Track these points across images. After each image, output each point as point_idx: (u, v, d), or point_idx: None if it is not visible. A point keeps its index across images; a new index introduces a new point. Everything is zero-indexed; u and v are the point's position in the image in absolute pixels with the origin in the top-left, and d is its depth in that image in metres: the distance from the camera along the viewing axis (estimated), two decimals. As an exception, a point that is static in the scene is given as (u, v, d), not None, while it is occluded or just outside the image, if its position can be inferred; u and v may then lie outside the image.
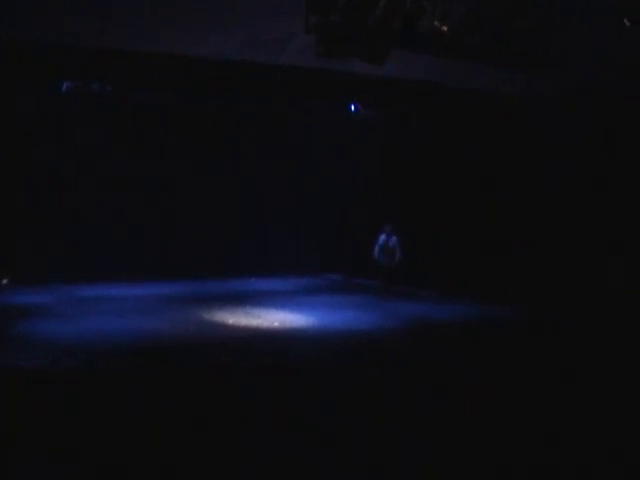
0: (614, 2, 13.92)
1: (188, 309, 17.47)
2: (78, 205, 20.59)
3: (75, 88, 19.30)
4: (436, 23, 13.65)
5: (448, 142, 21.26)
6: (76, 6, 12.87)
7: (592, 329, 15.62)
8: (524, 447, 8.66)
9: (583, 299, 17.11)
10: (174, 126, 21.77)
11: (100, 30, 13.58)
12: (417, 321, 17.00)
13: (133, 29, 13.80)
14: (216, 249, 22.28)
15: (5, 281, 19.70)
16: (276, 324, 16.20)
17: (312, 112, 22.43)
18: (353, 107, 22.27)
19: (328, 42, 12.87)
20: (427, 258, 21.28)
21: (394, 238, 19.61)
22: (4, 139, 19.55)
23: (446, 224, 21.08)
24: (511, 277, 18.95)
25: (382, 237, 19.69)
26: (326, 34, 12.73)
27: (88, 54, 14.84)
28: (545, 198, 18.98)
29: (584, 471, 8.03)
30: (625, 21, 13.66)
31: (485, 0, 14.25)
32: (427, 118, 21.49)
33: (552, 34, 14.85)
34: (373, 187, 23.31)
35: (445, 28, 13.73)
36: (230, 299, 18.93)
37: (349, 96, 20.60)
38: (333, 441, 8.72)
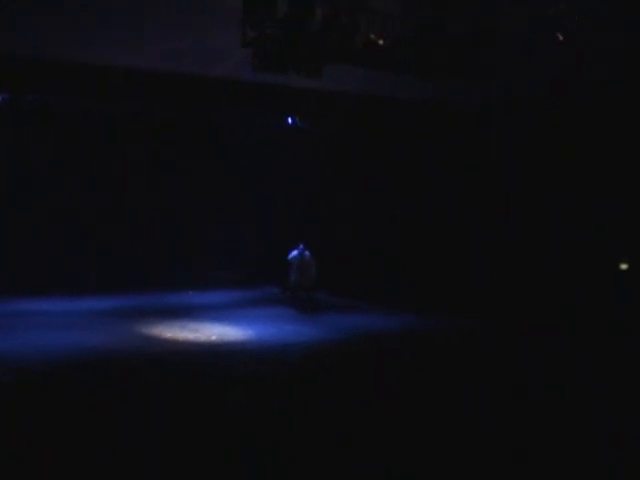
0: (542, 16, 14.23)
1: (125, 323, 17.25)
2: (13, 219, 20.21)
3: (9, 100, 18.98)
4: (372, 37, 13.79)
5: (383, 153, 21.39)
6: (9, 17, 12.71)
7: (529, 340, 15.90)
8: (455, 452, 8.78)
9: (520, 310, 17.38)
10: (111, 138, 21.50)
11: (34, 41, 13.42)
12: (356, 333, 17.05)
13: (67, 40, 13.66)
14: (153, 262, 22.06)
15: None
16: (214, 338, 16.12)
17: (251, 125, 22.38)
18: (290, 120, 22.27)
19: (265, 56, 12.89)
20: (365, 271, 21.40)
21: (307, 254, 19.34)
22: None
23: (385, 237, 21.18)
24: (450, 289, 19.14)
25: (294, 254, 19.40)
26: (263, 48, 12.75)
27: (21, 65, 14.62)
28: (482, 209, 19.19)
29: None
30: (558, 35, 13.96)
31: (418, 14, 14.41)
32: (362, 130, 21.60)
33: (482, 46, 15.09)
34: (311, 200, 23.35)
35: (381, 42, 13.87)
36: (167, 313, 18.73)
37: (286, 109, 20.59)
38: (276, 454, 8.72)
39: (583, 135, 17.19)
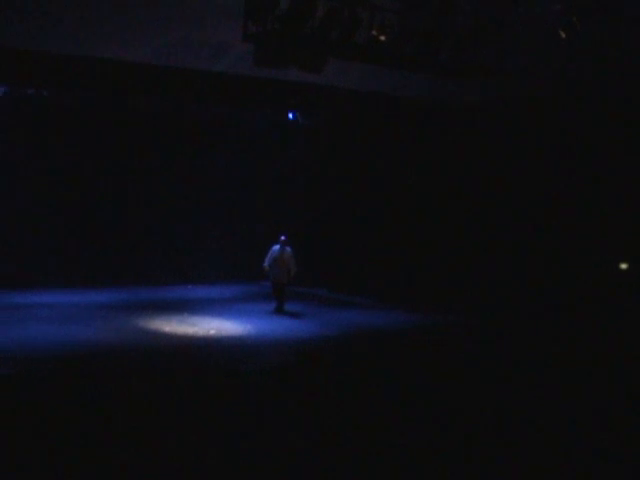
0: (546, 13, 14.19)
1: (124, 317, 17.25)
2: (14, 211, 20.23)
3: (10, 93, 18.99)
4: (373, 32, 13.77)
5: (382, 149, 21.37)
6: (6, 9, 12.67)
7: (525, 336, 15.91)
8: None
9: (514, 305, 17.40)
10: (113, 131, 21.46)
11: (32, 33, 13.37)
12: (354, 329, 17.08)
13: (64, 33, 13.59)
14: (152, 256, 22.05)
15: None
16: (212, 332, 16.12)
17: (250, 119, 22.39)
18: (291, 115, 22.26)
19: (266, 50, 12.88)
20: (361, 266, 21.40)
21: (288, 249, 18.57)
22: None
23: (381, 233, 21.16)
24: (443, 285, 19.14)
25: (275, 248, 18.58)
26: (264, 42, 12.74)
27: (20, 58, 14.57)
28: (480, 207, 19.16)
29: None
30: (560, 32, 13.94)
31: (419, 11, 14.39)
32: (361, 125, 21.58)
33: (484, 44, 15.06)
34: (310, 194, 23.36)
35: (383, 37, 13.85)
36: (166, 307, 18.76)
37: (286, 104, 20.59)
38: (278, 450, 8.73)
39: (584, 135, 17.17)
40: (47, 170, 20.65)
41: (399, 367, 13.30)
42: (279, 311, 18.47)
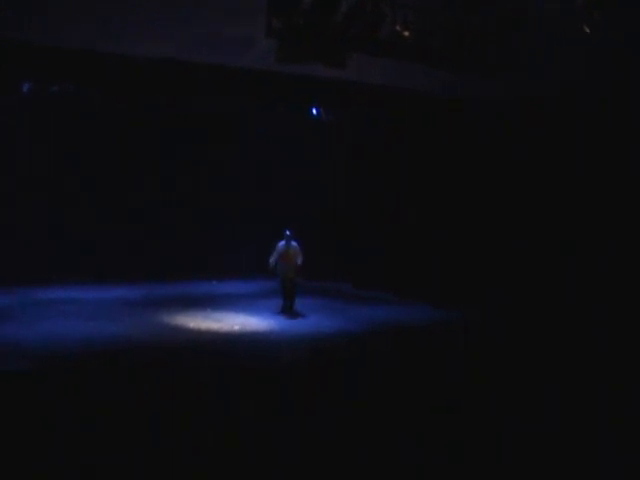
0: (571, 8, 14.09)
1: (149, 313, 17.38)
2: (39, 207, 20.39)
3: (35, 89, 19.09)
4: (397, 28, 13.74)
5: (401, 144, 21.36)
6: (35, 4, 12.73)
7: (546, 332, 15.81)
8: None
9: (536, 302, 17.29)
10: (136, 128, 21.59)
11: (57, 29, 13.43)
12: (377, 325, 17.08)
13: (91, 29, 13.63)
14: (177, 252, 22.15)
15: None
16: (236, 328, 16.18)
17: (274, 114, 22.41)
18: (315, 111, 22.22)
19: (289, 46, 12.88)
20: (386, 262, 21.38)
21: (294, 244, 17.99)
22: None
23: (405, 229, 21.13)
24: (466, 280, 19.08)
25: (281, 244, 17.95)
26: (288, 38, 12.73)
27: (46, 54, 14.63)
28: (500, 203, 19.08)
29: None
30: (585, 28, 13.83)
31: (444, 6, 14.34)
32: (384, 120, 21.54)
33: (510, 39, 14.99)
34: (335, 190, 23.36)
35: (407, 33, 13.82)
36: (191, 302, 18.85)
37: (309, 100, 20.54)
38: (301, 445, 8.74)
39: (603, 136, 17.02)
40: (74, 166, 20.83)
41: (424, 364, 13.30)
42: (288, 310, 17.93)
